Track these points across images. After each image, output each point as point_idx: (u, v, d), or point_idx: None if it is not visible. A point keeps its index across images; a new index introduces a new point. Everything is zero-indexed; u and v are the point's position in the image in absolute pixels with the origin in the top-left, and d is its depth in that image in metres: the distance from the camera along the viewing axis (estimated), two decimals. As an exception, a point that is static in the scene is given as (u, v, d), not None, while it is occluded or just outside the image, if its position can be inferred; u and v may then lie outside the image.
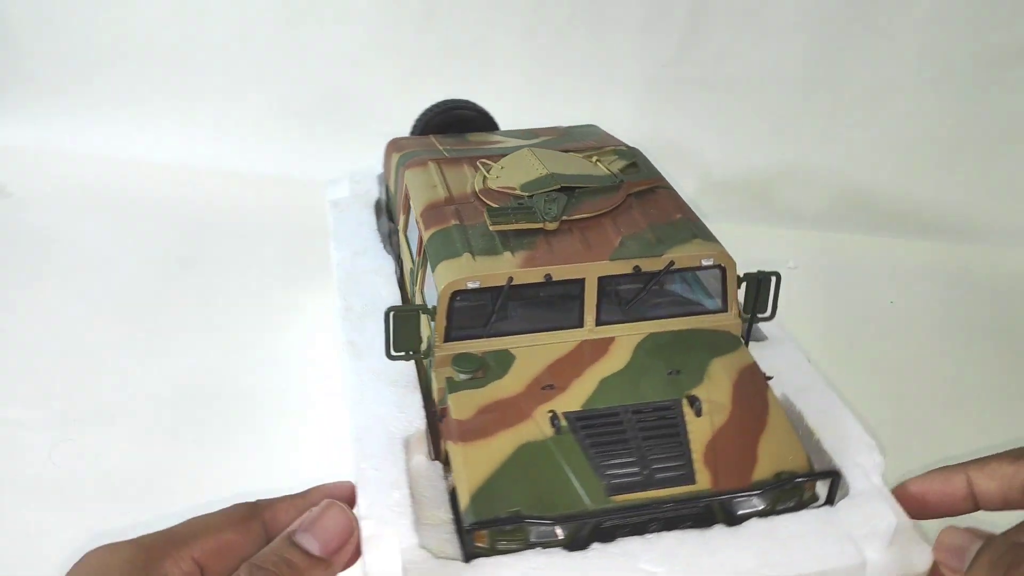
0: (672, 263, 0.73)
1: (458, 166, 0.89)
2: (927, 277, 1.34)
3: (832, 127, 1.50)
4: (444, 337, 0.71)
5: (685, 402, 0.66)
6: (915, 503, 0.66)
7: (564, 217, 0.76)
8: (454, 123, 1.09)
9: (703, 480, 0.63)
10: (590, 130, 1.05)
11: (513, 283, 0.71)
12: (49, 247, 1.38)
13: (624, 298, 0.74)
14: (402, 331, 0.71)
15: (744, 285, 0.76)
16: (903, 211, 1.47)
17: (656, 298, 0.75)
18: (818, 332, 1.14)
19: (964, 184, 1.47)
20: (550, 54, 1.52)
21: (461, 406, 0.67)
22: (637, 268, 0.72)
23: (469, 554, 0.60)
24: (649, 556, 0.59)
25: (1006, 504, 0.64)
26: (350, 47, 1.54)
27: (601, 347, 0.72)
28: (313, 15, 1.53)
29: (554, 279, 0.71)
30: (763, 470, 0.63)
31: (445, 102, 1.09)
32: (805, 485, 0.64)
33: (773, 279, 0.76)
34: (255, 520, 0.65)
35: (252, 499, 0.65)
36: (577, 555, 0.60)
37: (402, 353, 0.72)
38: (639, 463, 0.63)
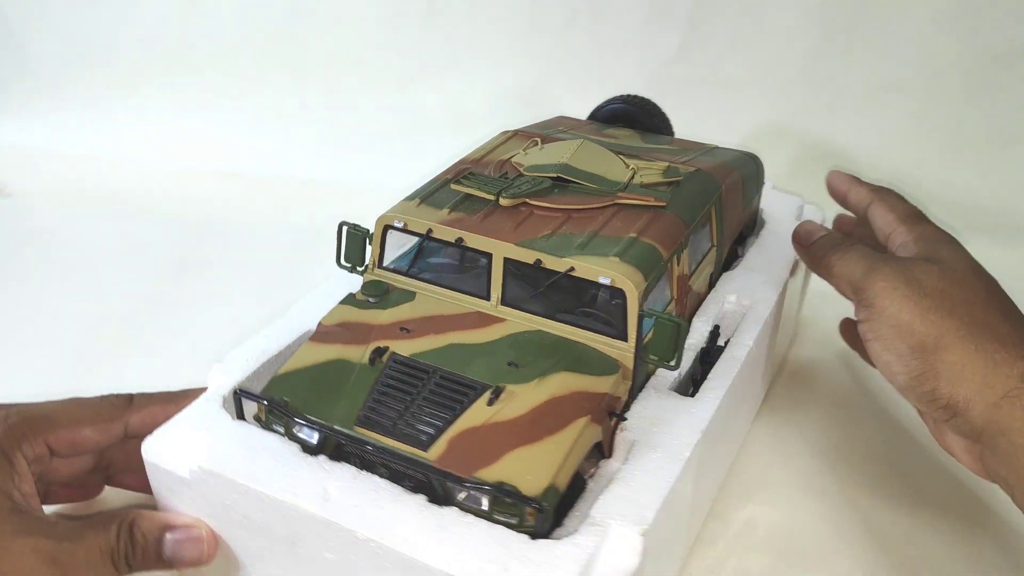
0: (572, 268, 0.74)
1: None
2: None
3: (833, 126, 1.50)
4: (376, 263, 0.83)
5: (490, 390, 0.69)
6: (830, 185, 0.94)
7: (534, 202, 0.81)
8: (622, 117, 1.11)
9: (434, 453, 0.66)
10: (730, 154, 1.03)
11: (431, 235, 0.80)
12: (49, 247, 1.38)
13: (535, 290, 0.76)
14: (350, 246, 0.83)
15: (654, 325, 0.74)
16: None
17: (570, 303, 0.76)
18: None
19: (964, 183, 1.48)
20: (550, 53, 1.52)
21: (333, 316, 0.79)
22: (538, 261, 0.75)
23: (238, 414, 0.74)
24: (340, 483, 0.67)
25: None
26: (350, 47, 1.54)
27: (484, 321, 0.77)
28: (314, 15, 1.53)
29: (465, 243, 0.78)
30: (491, 473, 0.65)
31: (622, 97, 1.12)
32: (527, 510, 0.63)
33: (676, 328, 0.73)
34: (119, 421, 0.74)
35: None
36: (308, 457, 0.69)
37: (347, 266, 0.84)
38: (399, 414, 0.69)
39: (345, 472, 0.68)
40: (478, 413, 0.70)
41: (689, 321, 0.87)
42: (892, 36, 1.42)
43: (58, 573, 0.65)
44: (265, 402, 0.72)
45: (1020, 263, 1.40)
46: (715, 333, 0.86)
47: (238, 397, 0.74)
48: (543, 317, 0.77)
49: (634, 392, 0.78)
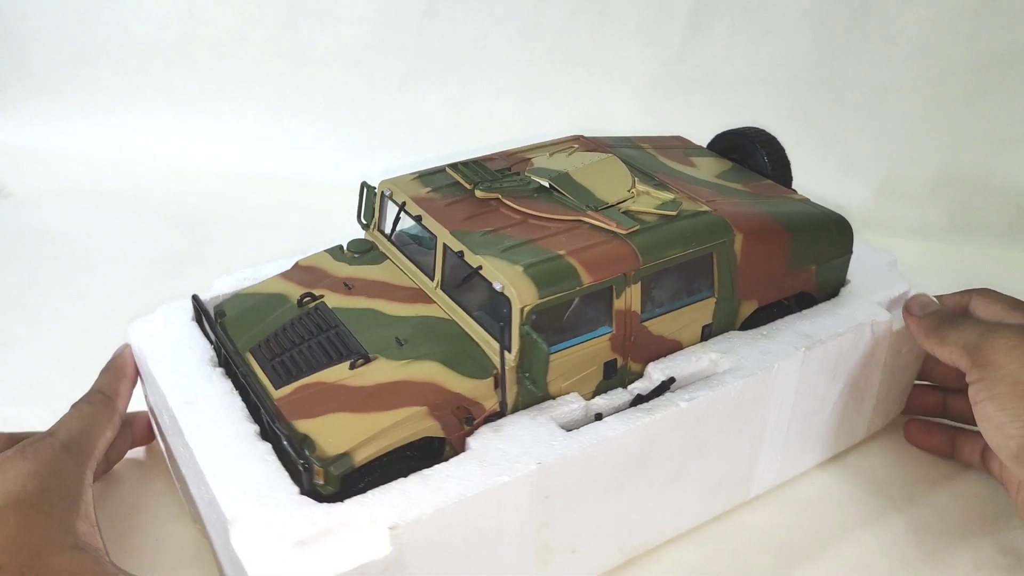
0: (480, 267, 0.77)
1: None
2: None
3: (834, 125, 1.49)
4: (376, 225, 0.93)
5: (360, 357, 0.76)
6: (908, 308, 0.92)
7: (506, 200, 0.85)
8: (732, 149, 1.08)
9: (281, 392, 0.76)
10: (800, 210, 0.95)
11: (404, 207, 0.88)
12: (49, 247, 1.37)
13: (463, 281, 0.80)
14: (367, 205, 0.93)
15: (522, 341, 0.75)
16: (905, 208, 1.47)
17: (485, 303, 0.79)
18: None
19: (967, 182, 1.47)
20: (551, 52, 1.49)
21: (309, 259, 0.91)
22: (461, 253, 0.79)
23: (195, 317, 0.88)
24: (208, 395, 0.78)
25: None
26: (350, 46, 1.52)
27: (414, 298, 0.83)
28: (313, 15, 1.51)
29: (422, 222, 0.85)
30: (307, 425, 0.72)
31: (740, 129, 1.08)
32: (316, 468, 0.69)
33: (536, 348, 0.75)
34: (116, 415, 0.82)
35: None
36: (211, 366, 0.82)
37: (364, 223, 0.94)
38: (284, 351, 0.79)
39: (218, 388, 0.78)
40: (337, 372, 0.76)
41: (644, 364, 0.83)
42: (893, 36, 1.41)
43: None
44: (211, 312, 0.85)
45: (1021, 264, 1.40)
46: (666, 384, 0.81)
47: (195, 300, 0.87)
48: (463, 310, 0.80)
49: (504, 406, 0.77)
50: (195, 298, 0.88)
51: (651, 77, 1.48)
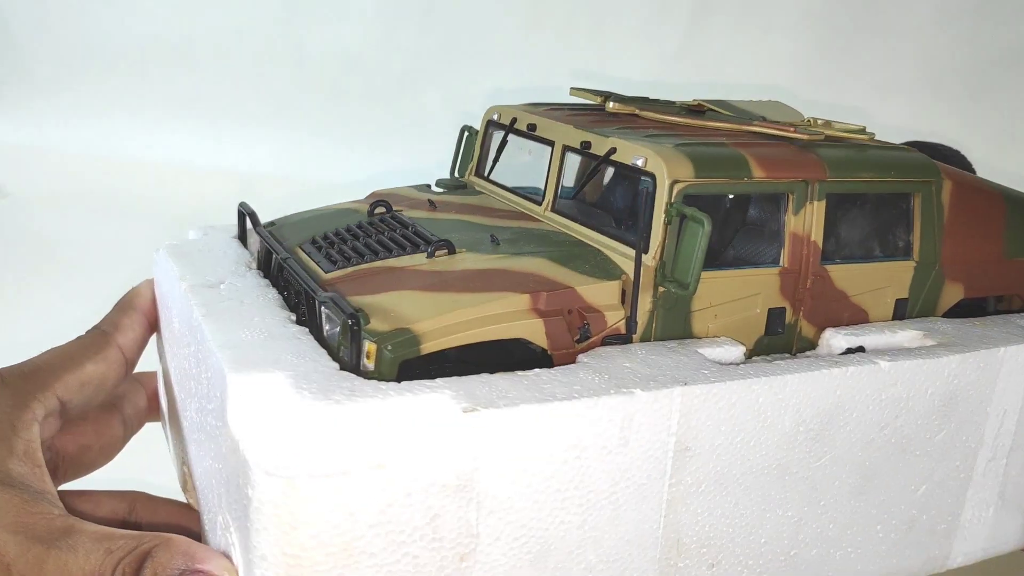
0: (614, 150, 0.60)
1: None
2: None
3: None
4: (471, 171, 0.77)
5: (440, 246, 0.58)
6: None
7: (643, 114, 0.70)
8: None
9: (331, 276, 0.57)
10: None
11: (514, 124, 0.72)
12: (49, 247, 1.37)
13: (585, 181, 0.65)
14: (464, 150, 0.78)
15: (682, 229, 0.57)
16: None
17: (614, 217, 0.64)
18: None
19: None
20: (551, 51, 1.48)
21: (391, 189, 0.73)
22: (586, 144, 0.63)
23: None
24: (234, 283, 0.60)
25: None
26: (350, 46, 1.52)
27: (515, 216, 0.66)
28: (312, 15, 1.52)
29: (536, 131, 0.69)
30: (363, 301, 0.53)
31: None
32: (367, 347, 0.49)
33: (700, 227, 0.56)
34: (111, 348, 0.65)
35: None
36: (246, 267, 0.64)
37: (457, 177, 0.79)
38: (343, 243, 0.62)
39: (250, 281, 0.60)
40: (409, 259, 0.57)
41: (819, 329, 0.62)
42: (893, 36, 1.41)
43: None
44: (252, 216, 0.68)
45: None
46: (851, 351, 0.60)
47: (241, 206, 0.70)
48: (582, 226, 0.61)
49: (632, 325, 0.55)
50: (242, 204, 0.71)
51: (652, 76, 1.48)
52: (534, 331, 0.53)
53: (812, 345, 0.62)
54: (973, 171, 0.88)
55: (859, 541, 0.61)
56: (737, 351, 0.57)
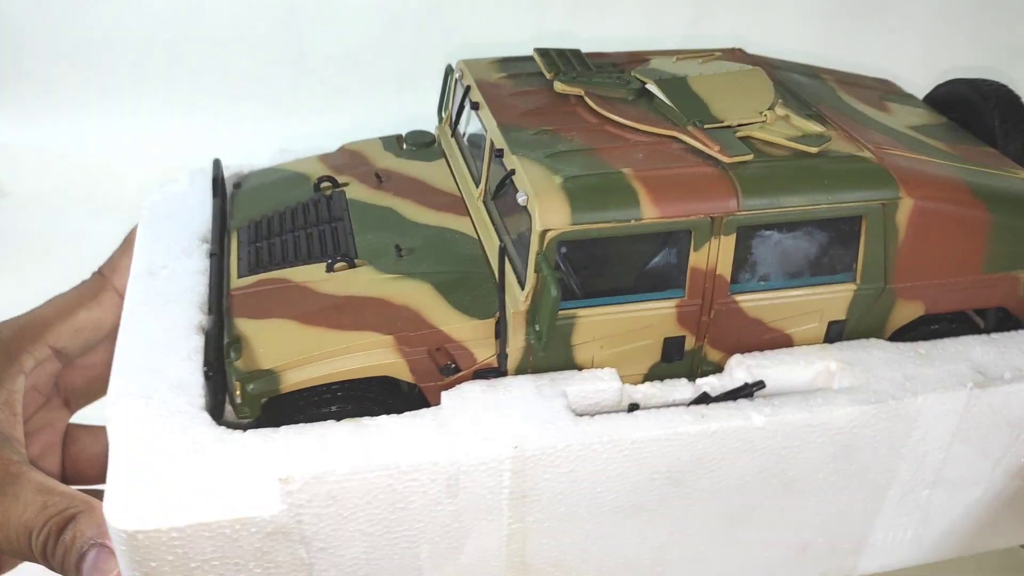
0: (513, 172, 0.58)
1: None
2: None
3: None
4: (447, 120, 0.75)
5: (342, 259, 0.60)
6: None
7: (589, 100, 0.65)
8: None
9: (242, 281, 0.61)
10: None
11: (468, 92, 0.70)
12: (49, 247, 1.33)
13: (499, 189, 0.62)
14: (444, 91, 0.77)
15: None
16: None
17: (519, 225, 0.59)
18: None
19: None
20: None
21: (358, 144, 0.76)
22: (500, 152, 0.60)
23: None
24: (167, 262, 0.65)
25: None
26: (349, 44, 1.45)
27: (447, 206, 0.66)
28: (312, 13, 1.44)
29: (479, 113, 0.67)
30: (248, 326, 0.57)
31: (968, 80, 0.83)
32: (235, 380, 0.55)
33: (549, 289, 0.54)
34: (107, 291, 0.70)
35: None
36: (197, 241, 0.69)
37: (441, 116, 0.77)
38: (270, 236, 0.65)
39: (191, 265, 0.64)
40: (309, 272, 0.60)
41: (726, 354, 0.60)
42: (894, 34, 1.40)
43: None
44: (225, 181, 0.73)
45: None
46: (749, 388, 0.57)
47: (215, 166, 0.74)
48: (497, 230, 0.61)
49: (503, 360, 0.57)
50: (216, 163, 0.75)
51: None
52: (398, 368, 0.56)
53: (719, 368, 0.61)
54: (1022, 108, 0.77)
55: (739, 559, 0.62)
56: (613, 386, 0.57)
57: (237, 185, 0.74)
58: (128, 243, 0.75)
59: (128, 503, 0.49)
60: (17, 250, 1.36)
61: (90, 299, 0.71)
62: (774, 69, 0.74)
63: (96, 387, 0.73)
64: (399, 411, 0.55)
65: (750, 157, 0.57)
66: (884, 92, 0.78)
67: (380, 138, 0.76)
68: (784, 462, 0.57)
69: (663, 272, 0.57)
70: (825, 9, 1.42)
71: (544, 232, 0.53)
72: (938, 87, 0.81)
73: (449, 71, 0.76)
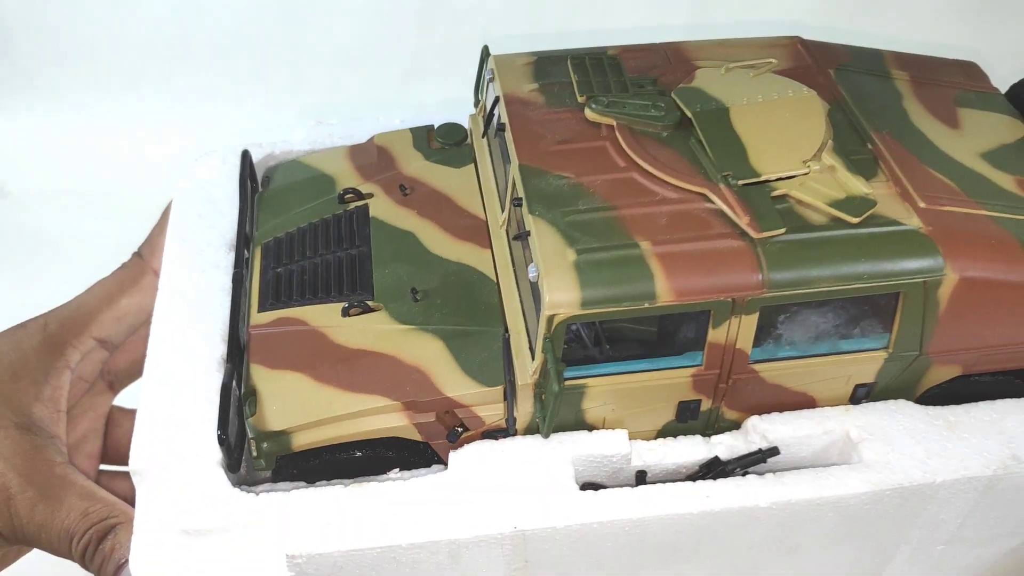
0: (528, 234, 0.56)
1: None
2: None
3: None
4: (481, 109, 0.72)
5: (358, 303, 0.60)
6: None
7: (619, 133, 0.61)
8: None
9: (262, 318, 0.61)
10: None
11: (496, 103, 0.67)
12: (49, 247, 1.33)
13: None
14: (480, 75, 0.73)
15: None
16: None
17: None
18: None
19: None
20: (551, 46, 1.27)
21: (388, 138, 0.73)
22: (518, 201, 0.58)
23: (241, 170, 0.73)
24: (204, 303, 0.64)
25: None
26: (349, 44, 1.39)
27: (470, 233, 0.64)
28: (312, 12, 1.38)
29: (505, 135, 0.63)
30: (264, 377, 0.58)
31: None
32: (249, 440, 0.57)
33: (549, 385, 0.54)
34: (146, 275, 0.71)
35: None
36: (221, 249, 0.69)
37: (476, 99, 0.74)
38: (291, 260, 0.64)
39: (217, 283, 0.65)
40: (325, 313, 0.60)
41: (745, 413, 0.59)
42: (894, 34, 1.31)
43: (8, 515, 0.59)
44: (256, 176, 0.73)
45: None
46: (764, 454, 0.56)
47: (244, 157, 0.73)
48: (516, 276, 0.59)
49: (511, 423, 0.57)
50: (245, 154, 0.73)
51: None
52: (407, 431, 0.57)
53: (736, 425, 0.60)
54: None
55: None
56: (621, 452, 0.57)
57: (267, 180, 0.73)
58: (164, 221, 0.75)
59: (154, 565, 0.52)
60: (17, 250, 1.36)
61: (130, 285, 0.72)
62: (837, 73, 0.67)
63: (139, 367, 0.76)
64: (411, 460, 0.57)
65: (782, 232, 0.53)
66: (962, 91, 0.70)
67: (411, 130, 0.73)
68: (790, 534, 0.57)
69: (680, 343, 0.55)
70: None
71: (552, 316, 0.52)
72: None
73: (485, 55, 0.72)
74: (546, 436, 0.55)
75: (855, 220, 0.54)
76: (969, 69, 0.74)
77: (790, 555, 0.59)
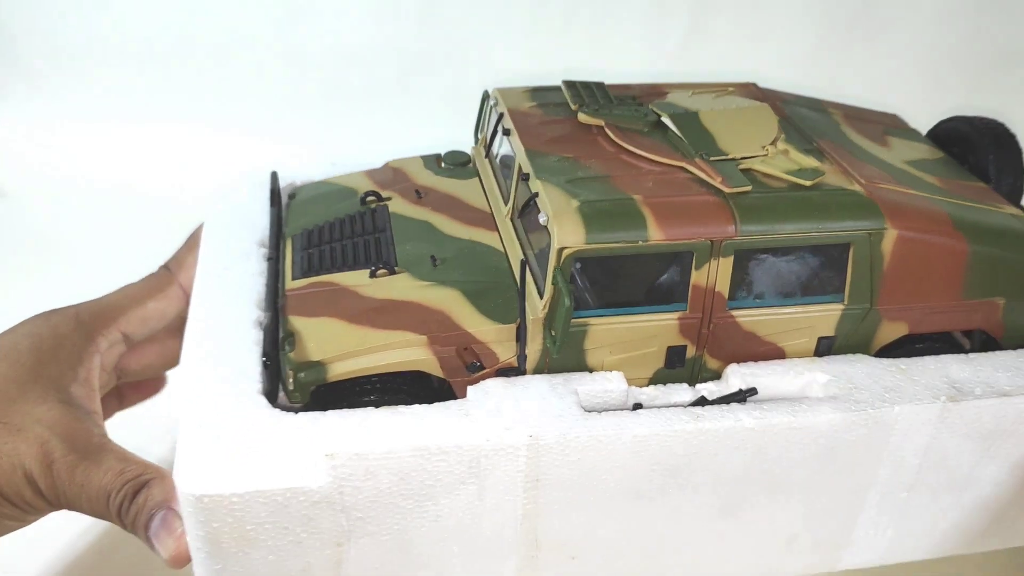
0: (536, 195, 0.66)
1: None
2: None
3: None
4: (483, 141, 0.83)
5: (385, 266, 0.68)
6: None
7: (609, 131, 0.73)
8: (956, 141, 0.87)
9: (296, 284, 0.69)
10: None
11: (500, 119, 0.78)
12: (49, 247, 1.32)
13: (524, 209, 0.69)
14: (481, 114, 0.84)
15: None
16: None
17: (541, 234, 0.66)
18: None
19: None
20: (551, 46, 1.44)
21: (402, 161, 0.84)
22: (526, 176, 0.68)
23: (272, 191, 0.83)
24: (226, 260, 0.75)
25: None
26: (349, 44, 1.46)
27: (479, 221, 0.74)
28: (312, 12, 1.45)
29: (509, 138, 0.75)
30: (300, 323, 0.65)
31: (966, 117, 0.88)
32: (288, 368, 0.63)
33: (564, 302, 0.62)
34: (173, 284, 0.78)
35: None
36: (254, 243, 0.78)
37: (477, 137, 0.85)
38: (321, 243, 0.73)
39: (250, 268, 0.73)
40: (356, 277, 0.68)
41: (724, 363, 0.67)
42: (894, 33, 1.41)
43: (51, 477, 0.62)
44: (280, 192, 0.83)
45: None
46: (743, 394, 0.64)
47: (273, 178, 0.84)
48: (522, 246, 0.68)
49: (522, 361, 0.65)
50: (274, 175, 0.83)
51: (650, 73, 1.36)
52: (430, 364, 0.63)
53: (717, 375, 0.68)
54: (1017, 146, 0.82)
55: (731, 548, 0.69)
56: (620, 388, 0.64)
57: (292, 196, 0.82)
58: (192, 242, 0.82)
59: (196, 471, 0.57)
60: (17, 250, 1.35)
61: (158, 292, 0.79)
62: (783, 103, 0.81)
63: (148, 372, 0.82)
64: (430, 403, 0.63)
65: (749, 188, 0.64)
66: (888, 127, 0.84)
67: (421, 156, 0.84)
68: (771, 461, 0.64)
69: (668, 287, 0.64)
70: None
71: (561, 249, 0.61)
72: (940, 123, 0.87)
73: (485, 97, 0.84)
74: (556, 353, 0.63)
75: (808, 183, 0.65)
76: (893, 117, 0.88)
77: (773, 490, 0.66)
